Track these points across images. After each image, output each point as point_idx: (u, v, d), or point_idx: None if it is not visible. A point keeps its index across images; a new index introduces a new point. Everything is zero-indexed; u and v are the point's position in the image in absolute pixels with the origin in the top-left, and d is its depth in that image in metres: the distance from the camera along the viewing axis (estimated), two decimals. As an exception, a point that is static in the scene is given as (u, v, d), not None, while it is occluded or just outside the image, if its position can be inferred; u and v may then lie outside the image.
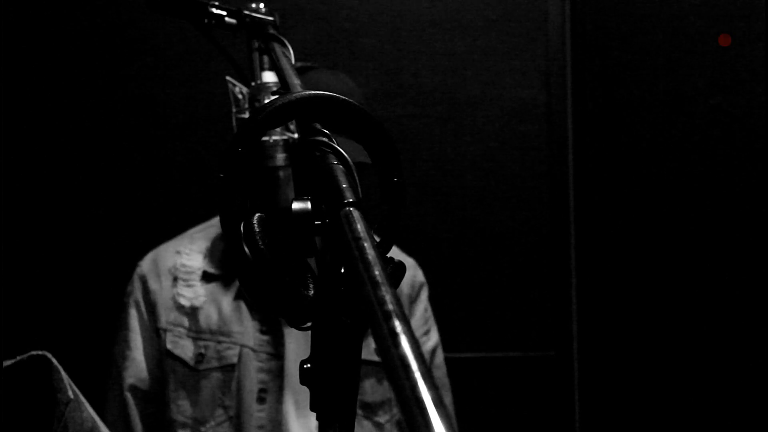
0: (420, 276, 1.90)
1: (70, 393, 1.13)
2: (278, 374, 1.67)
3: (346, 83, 1.81)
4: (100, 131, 2.43)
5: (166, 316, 1.72)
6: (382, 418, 1.72)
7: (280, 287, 0.73)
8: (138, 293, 1.76)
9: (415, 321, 1.84)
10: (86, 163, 2.43)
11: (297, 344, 1.71)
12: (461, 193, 2.49)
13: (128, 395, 1.71)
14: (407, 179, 0.77)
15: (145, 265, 1.79)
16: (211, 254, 1.77)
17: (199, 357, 1.68)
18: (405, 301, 1.83)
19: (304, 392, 1.68)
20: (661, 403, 2.44)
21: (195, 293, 1.73)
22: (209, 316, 1.71)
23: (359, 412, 1.70)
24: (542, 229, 2.50)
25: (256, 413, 1.65)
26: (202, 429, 1.66)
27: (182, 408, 1.67)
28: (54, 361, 1.13)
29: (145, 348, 1.73)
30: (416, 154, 2.47)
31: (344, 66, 2.48)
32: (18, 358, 1.11)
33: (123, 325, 1.75)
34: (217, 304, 1.71)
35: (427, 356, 1.85)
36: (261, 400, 1.66)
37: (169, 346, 1.70)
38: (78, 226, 2.41)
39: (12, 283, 2.27)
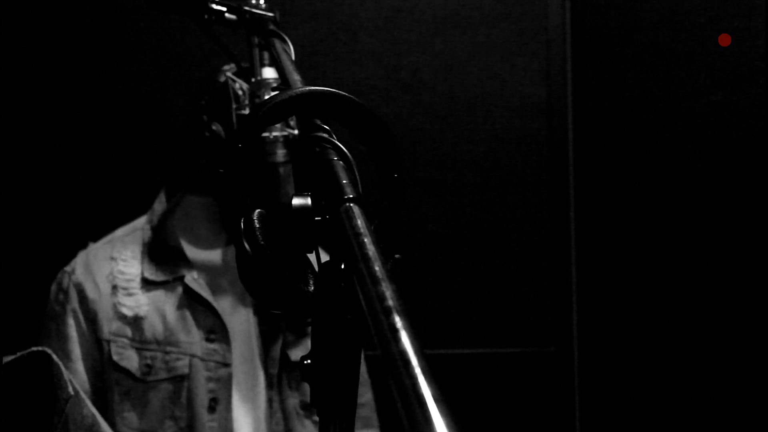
0: None
1: (71, 389, 1.13)
2: (227, 382, 1.66)
3: None
4: (99, 129, 2.43)
5: (108, 326, 1.67)
6: None
7: (281, 283, 0.73)
8: (74, 302, 1.71)
9: None
10: (86, 161, 2.42)
11: (242, 351, 1.70)
12: (461, 189, 2.49)
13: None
14: (407, 175, 0.77)
15: (79, 272, 1.74)
16: (148, 259, 1.73)
17: (146, 368, 1.65)
18: None
19: (252, 399, 1.69)
20: (661, 399, 2.44)
21: (137, 302, 1.69)
22: (154, 326, 1.67)
23: (301, 412, 1.70)
24: (542, 225, 2.50)
25: (208, 423, 1.63)
26: None
27: (128, 420, 1.64)
28: (54, 357, 1.13)
29: (85, 359, 1.68)
30: (416, 150, 2.47)
31: (344, 62, 2.48)
32: (19, 354, 1.11)
33: (59, 336, 1.70)
34: (161, 313, 1.68)
35: None
36: (212, 409, 1.64)
37: (115, 357, 1.65)
38: (78, 225, 2.40)
39: (13, 279, 2.27)
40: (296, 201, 0.72)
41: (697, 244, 2.43)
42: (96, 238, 1.87)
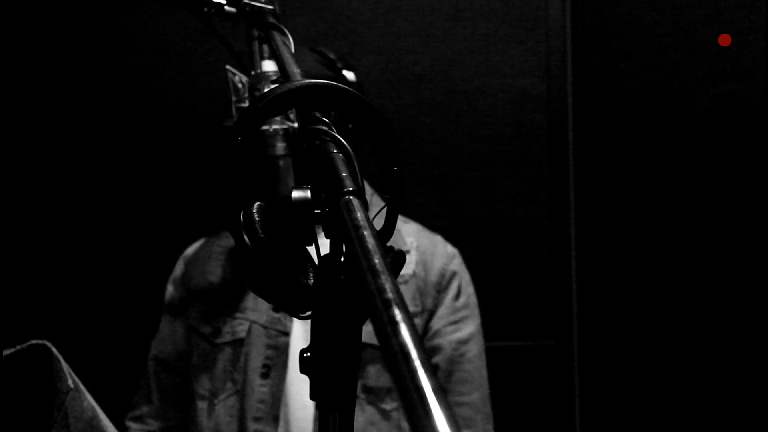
0: (454, 265, 1.87)
1: (70, 382, 1.13)
2: (284, 351, 1.70)
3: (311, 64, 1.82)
4: (98, 124, 2.43)
5: (197, 293, 1.79)
6: (388, 405, 1.71)
7: (280, 276, 0.73)
8: (178, 271, 1.85)
9: (442, 310, 1.82)
10: (85, 155, 2.42)
11: (305, 322, 1.73)
12: (460, 182, 2.49)
13: (151, 363, 1.83)
14: (406, 168, 0.77)
15: (191, 248, 1.89)
16: None
17: (217, 332, 1.75)
18: (432, 290, 1.82)
19: None
20: (661, 392, 2.44)
21: (223, 270, 1.80)
22: (230, 294, 1.77)
23: (361, 396, 1.71)
24: (542, 218, 2.50)
25: (259, 388, 1.69)
26: (215, 401, 1.71)
27: (202, 381, 1.74)
28: (54, 350, 1.13)
29: (173, 323, 1.82)
30: (415, 143, 2.47)
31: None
32: (18, 347, 1.11)
33: (163, 304, 1.86)
34: (239, 282, 1.77)
35: (452, 347, 1.82)
36: (264, 375, 1.69)
37: (193, 321, 1.77)
38: (78, 218, 2.41)
39: (12, 272, 2.27)
40: (296, 194, 0.72)
41: (697, 237, 2.43)
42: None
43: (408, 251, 1.83)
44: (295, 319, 1.72)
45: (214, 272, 1.79)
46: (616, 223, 2.50)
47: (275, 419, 1.66)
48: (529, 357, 2.48)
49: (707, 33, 2.42)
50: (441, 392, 0.44)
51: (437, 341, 1.80)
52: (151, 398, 1.81)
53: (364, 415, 1.70)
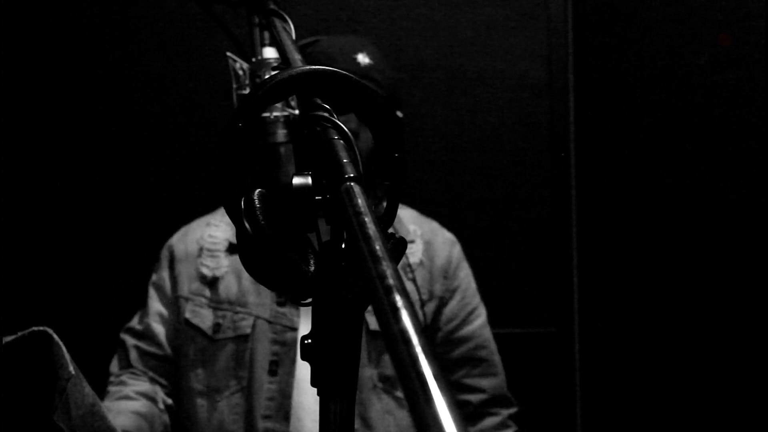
0: (457, 252, 1.90)
1: (72, 369, 1.13)
2: (291, 346, 1.68)
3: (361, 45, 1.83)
4: (98, 114, 2.42)
5: (189, 285, 1.75)
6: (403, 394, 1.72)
7: (281, 263, 0.72)
8: (165, 263, 1.80)
9: (458, 298, 1.85)
10: (84, 145, 2.42)
11: (311, 316, 1.72)
12: (462, 168, 2.48)
13: (128, 336, 1.77)
14: (408, 155, 0.77)
15: (175, 237, 1.84)
16: None
17: (216, 327, 1.71)
18: (439, 276, 1.82)
19: None
20: (662, 381, 2.44)
21: (218, 264, 1.75)
22: (229, 287, 1.73)
23: (379, 384, 1.71)
24: (543, 204, 2.50)
25: (267, 385, 1.66)
26: (218, 398, 1.68)
27: (200, 377, 1.70)
28: (55, 336, 1.13)
29: (162, 317, 1.76)
30: (417, 129, 2.46)
31: (345, 42, 2.46)
32: (19, 333, 1.11)
33: (148, 296, 1.80)
34: (238, 275, 1.73)
35: (477, 334, 1.86)
36: (272, 372, 1.67)
37: (187, 315, 1.73)
38: (78, 207, 2.40)
39: (14, 259, 2.27)
40: (297, 180, 0.72)
41: (698, 226, 2.43)
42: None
43: (413, 240, 1.84)
44: (301, 314, 1.70)
45: (208, 265, 1.75)
46: (617, 210, 2.50)
47: (286, 417, 1.64)
48: (530, 344, 2.48)
49: (708, 18, 2.42)
50: (442, 378, 0.44)
51: (464, 331, 1.83)
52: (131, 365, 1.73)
53: (381, 404, 1.70)
